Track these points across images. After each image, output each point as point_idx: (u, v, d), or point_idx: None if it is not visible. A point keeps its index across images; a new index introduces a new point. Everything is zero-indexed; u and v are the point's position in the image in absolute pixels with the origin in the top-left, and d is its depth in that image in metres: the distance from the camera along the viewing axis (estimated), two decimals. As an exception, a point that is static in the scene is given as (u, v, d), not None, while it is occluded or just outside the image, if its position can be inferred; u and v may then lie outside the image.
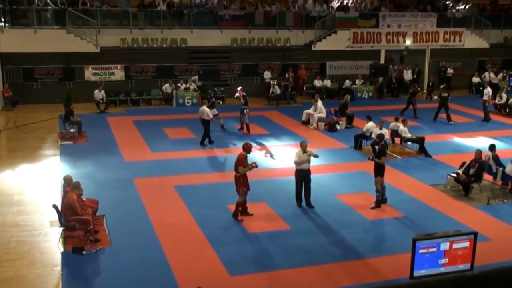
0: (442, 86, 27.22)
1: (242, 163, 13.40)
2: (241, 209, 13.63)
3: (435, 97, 25.12)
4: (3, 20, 27.06)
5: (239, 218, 13.49)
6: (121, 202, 14.49)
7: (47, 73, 27.75)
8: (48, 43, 27.09)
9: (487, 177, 15.77)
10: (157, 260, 11.30)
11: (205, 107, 20.44)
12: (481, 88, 29.70)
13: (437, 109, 24.74)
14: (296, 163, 14.25)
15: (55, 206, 12.20)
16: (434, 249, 8.68)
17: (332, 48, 31.75)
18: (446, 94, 24.64)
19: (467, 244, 8.87)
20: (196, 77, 28.65)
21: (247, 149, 13.67)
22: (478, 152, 15.32)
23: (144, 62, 29.13)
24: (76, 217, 11.87)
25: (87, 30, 28.01)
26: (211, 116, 20.41)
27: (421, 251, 8.62)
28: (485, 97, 25.07)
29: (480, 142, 20.98)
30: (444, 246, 8.73)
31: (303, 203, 14.37)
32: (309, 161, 14.20)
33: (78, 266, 11.07)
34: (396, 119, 20.43)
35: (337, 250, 11.98)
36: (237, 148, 19.91)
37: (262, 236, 12.59)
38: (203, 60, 30.14)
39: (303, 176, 14.25)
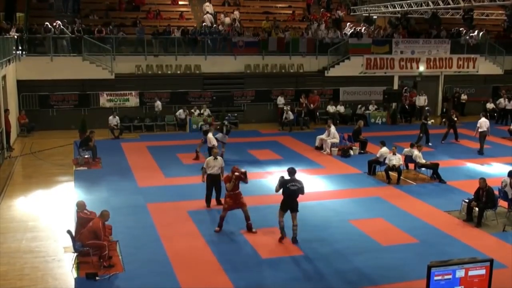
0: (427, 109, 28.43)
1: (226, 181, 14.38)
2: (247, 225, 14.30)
3: (430, 122, 25.43)
4: (20, 48, 27.51)
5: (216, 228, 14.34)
6: (134, 228, 14.49)
7: (62, 100, 28.04)
8: (64, 70, 27.52)
9: (502, 203, 15.62)
10: (171, 287, 11.25)
11: (210, 135, 20.44)
12: (495, 114, 29.58)
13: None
14: (205, 168, 15.80)
15: (69, 232, 12.23)
16: (450, 276, 8.57)
17: (345, 74, 31.90)
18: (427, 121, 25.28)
19: (483, 271, 8.75)
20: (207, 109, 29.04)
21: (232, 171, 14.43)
22: (482, 180, 15.11)
23: (158, 89, 29.35)
24: (92, 241, 11.89)
25: (103, 57, 28.42)
26: (213, 143, 20.32)
27: (436, 278, 8.51)
28: (481, 129, 23.33)
29: (494, 168, 20.90)
30: (460, 273, 8.61)
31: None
32: (219, 167, 15.70)
33: (91, 292, 11.06)
34: (411, 146, 20.33)
35: (350, 276, 11.87)
36: (250, 173, 19.97)
37: (276, 261, 12.52)
38: (216, 86, 30.37)
39: (213, 180, 15.72)
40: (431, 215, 15.70)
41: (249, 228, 14.24)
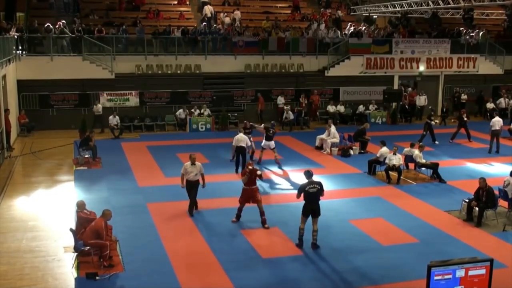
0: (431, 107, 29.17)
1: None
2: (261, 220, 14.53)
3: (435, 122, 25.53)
4: (20, 48, 27.51)
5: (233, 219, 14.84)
6: (134, 227, 14.49)
7: (62, 100, 28.04)
8: (64, 70, 27.54)
9: (502, 203, 15.61)
10: (171, 287, 11.25)
11: (243, 134, 20.23)
12: (494, 114, 29.45)
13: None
14: (183, 173, 15.60)
15: (72, 230, 12.23)
16: (450, 276, 8.58)
17: (345, 74, 31.92)
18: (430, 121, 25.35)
19: (483, 271, 8.76)
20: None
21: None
22: (482, 180, 15.07)
23: (159, 88, 29.38)
24: (94, 241, 11.88)
25: (103, 57, 28.43)
26: (249, 143, 20.21)
27: (436, 277, 8.52)
28: (493, 127, 23.45)
29: (493, 168, 20.89)
30: (460, 273, 8.62)
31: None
32: (197, 173, 15.51)
33: (91, 292, 11.05)
34: (412, 145, 20.34)
35: (350, 276, 11.86)
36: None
37: (276, 261, 12.51)
38: (217, 86, 30.38)
39: (191, 186, 15.44)
40: (431, 215, 15.69)
41: (263, 223, 14.46)
